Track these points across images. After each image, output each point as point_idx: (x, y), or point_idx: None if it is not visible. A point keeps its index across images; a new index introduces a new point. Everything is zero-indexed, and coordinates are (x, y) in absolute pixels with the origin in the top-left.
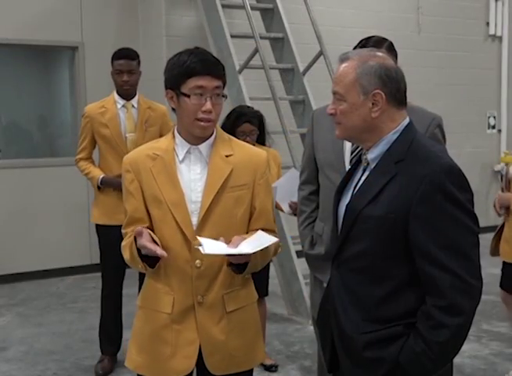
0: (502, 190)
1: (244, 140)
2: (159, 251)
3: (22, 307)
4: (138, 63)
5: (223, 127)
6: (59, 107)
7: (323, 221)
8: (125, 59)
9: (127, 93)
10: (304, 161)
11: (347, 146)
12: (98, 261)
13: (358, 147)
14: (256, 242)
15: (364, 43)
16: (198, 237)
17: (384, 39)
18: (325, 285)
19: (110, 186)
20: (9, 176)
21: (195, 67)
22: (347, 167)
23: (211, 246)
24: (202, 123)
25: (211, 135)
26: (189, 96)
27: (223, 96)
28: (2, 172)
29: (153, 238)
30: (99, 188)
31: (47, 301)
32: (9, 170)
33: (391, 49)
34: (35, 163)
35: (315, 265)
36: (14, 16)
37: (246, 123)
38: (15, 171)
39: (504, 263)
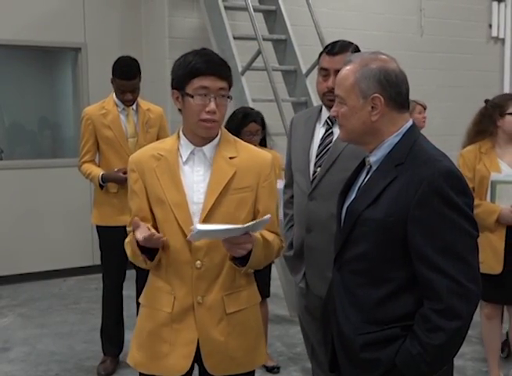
0: None
1: (250, 140)
2: (156, 236)
3: (24, 308)
4: (140, 74)
5: (228, 128)
6: (62, 108)
7: (295, 223)
8: (127, 80)
9: (128, 105)
10: (286, 166)
11: (314, 149)
12: (100, 262)
13: (322, 150)
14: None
15: (330, 49)
16: (192, 227)
17: (350, 43)
18: (301, 285)
19: (112, 181)
20: (12, 177)
21: (199, 67)
22: (312, 170)
23: (204, 226)
24: (206, 124)
25: (216, 137)
26: (192, 97)
27: (228, 98)
28: (5, 173)
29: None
30: (101, 187)
31: (49, 302)
32: (12, 171)
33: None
34: (38, 164)
35: (289, 266)
36: (17, 17)
37: (252, 122)
38: (17, 172)
39: None
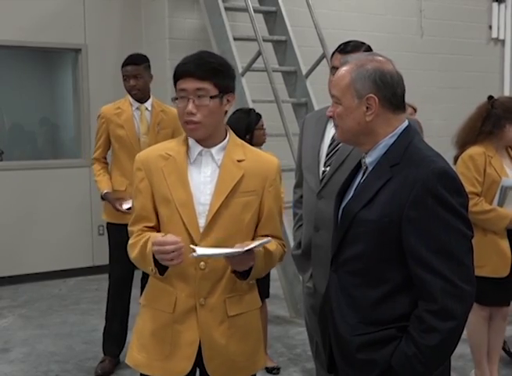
0: None
1: (264, 134)
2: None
3: (24, 309)
4: (147, 67)
5: (239, 129)
6: (62, 109)
7: (304, 222)
8: (131, 65)
9: (136, 97)
10: (296, 165)
11: (324, 148)
12: (100, 263)
13: (333, 149)
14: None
15: (343, 48)
16: (191, 246)
17: (362, 43)
18: (307, 285)
19: (109, 202)
20: (12, 178)
21: (177, 70)
22: (321, 169)
23: (204, 250)
24: (188, 126)
25: (224, 139)
26: (175, 100)
27: (212, 97)
28: (5, 174)
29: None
30: (102, 198)
31: (49, 302)
32: (12, 172)
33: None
34: (38, 165)
35: (298, 265)
36: (17, 18)
37: (261, 118)
38: (18, 172)
39: None
